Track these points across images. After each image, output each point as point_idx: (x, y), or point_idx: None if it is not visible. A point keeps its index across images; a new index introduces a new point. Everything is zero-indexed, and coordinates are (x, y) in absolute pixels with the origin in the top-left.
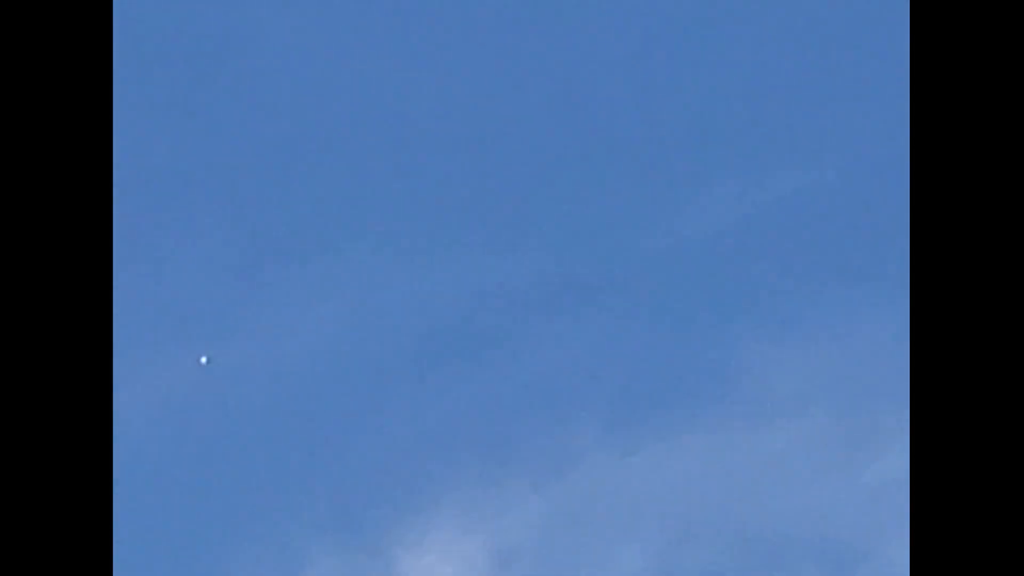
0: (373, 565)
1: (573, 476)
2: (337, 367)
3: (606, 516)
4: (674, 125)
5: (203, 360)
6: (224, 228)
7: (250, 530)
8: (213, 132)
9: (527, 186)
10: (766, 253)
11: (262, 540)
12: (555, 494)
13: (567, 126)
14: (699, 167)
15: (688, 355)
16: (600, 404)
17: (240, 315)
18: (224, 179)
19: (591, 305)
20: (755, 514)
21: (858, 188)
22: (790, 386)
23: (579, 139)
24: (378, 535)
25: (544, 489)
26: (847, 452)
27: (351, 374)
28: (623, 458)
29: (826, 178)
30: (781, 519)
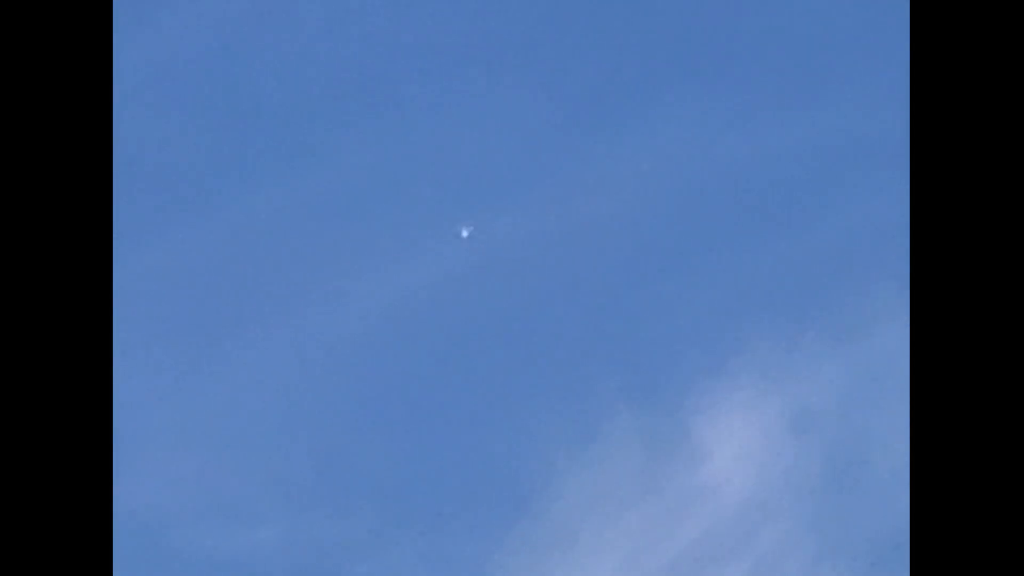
0: (669, 426)
1: (871, 340)
2: (641, 229)
3: (900, 380)
4: None
5: (464, 233)
6: (533, 88)
7: (554, 385)
8: None
9: (836, 42)
10: None
11: (564, 396)
12: (853, 357)
13: None
14: None
15: None
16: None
17: (545, 175)
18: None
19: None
20: None
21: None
22: None
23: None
24: (674, 397)
25: (842, 352)
26: None
27: (655, 236)
28: None
29: None
30: None
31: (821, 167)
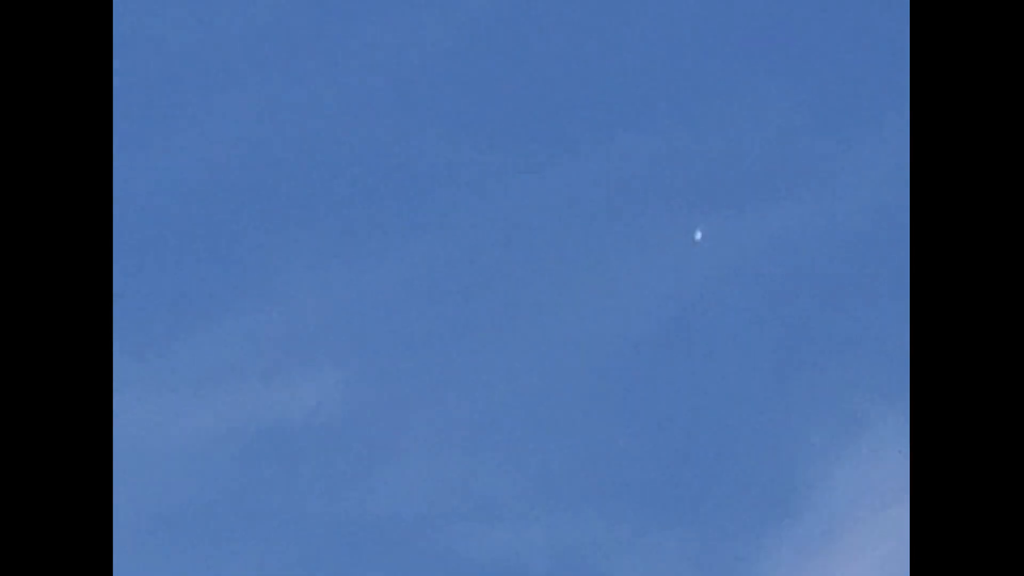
0: None
1: None
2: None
3: None
4: None
5: (697, 235)
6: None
7: (818, 382)
8: None
9: None
10: None
11: (829, 393)
12: None
13: None
14: None
15: None
16: None
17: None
18: None
19: None
20: None
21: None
22: None
23: None
24: None
25: None
26: None
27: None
28: None
29: None
30: None
31: None
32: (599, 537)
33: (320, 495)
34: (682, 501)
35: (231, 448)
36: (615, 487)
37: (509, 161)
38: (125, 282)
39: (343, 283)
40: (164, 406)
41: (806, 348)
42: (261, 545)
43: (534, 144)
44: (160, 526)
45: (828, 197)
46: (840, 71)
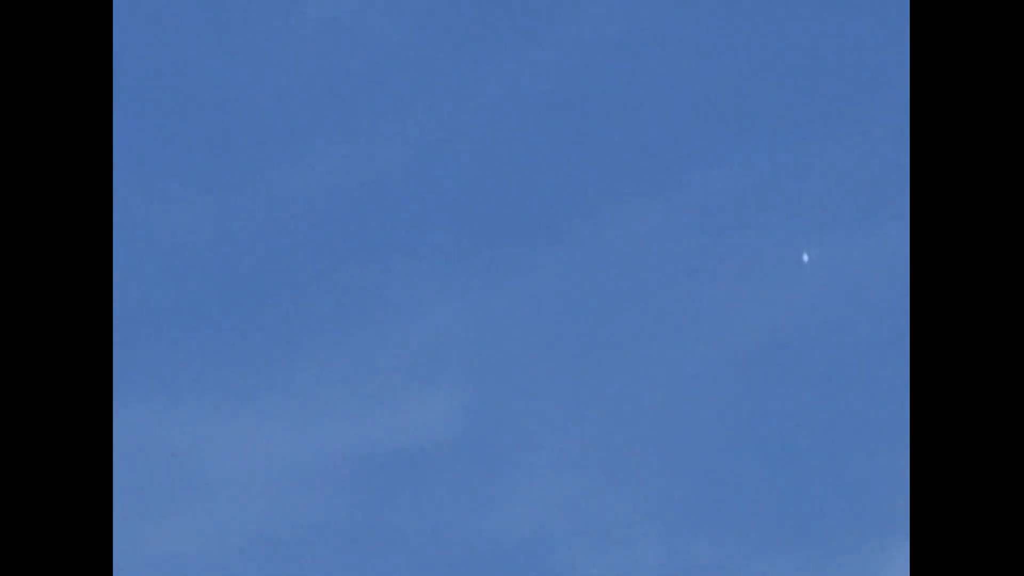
0: None
1: None
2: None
3: None
4: None
5: (804, 257)
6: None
7: None
8: None
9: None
10: None
11: None
12: None
13: None
14: None
15: None
16: None
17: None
18: None
19: None
20: None
21: None
22: None
23: None
24: None
25: None
26: None
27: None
28: None
29: None
30: None
31: None
32: (714, 560)
33: (437, 517)
34: (795, 524)
35: (349, 471)
36: (730, 510)
37: (623, 188)
38: (237, 310)
39: (461, 304)
40: (284, 430)
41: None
42: (379, 569)
43: (648, 170)
44: (279, 550)
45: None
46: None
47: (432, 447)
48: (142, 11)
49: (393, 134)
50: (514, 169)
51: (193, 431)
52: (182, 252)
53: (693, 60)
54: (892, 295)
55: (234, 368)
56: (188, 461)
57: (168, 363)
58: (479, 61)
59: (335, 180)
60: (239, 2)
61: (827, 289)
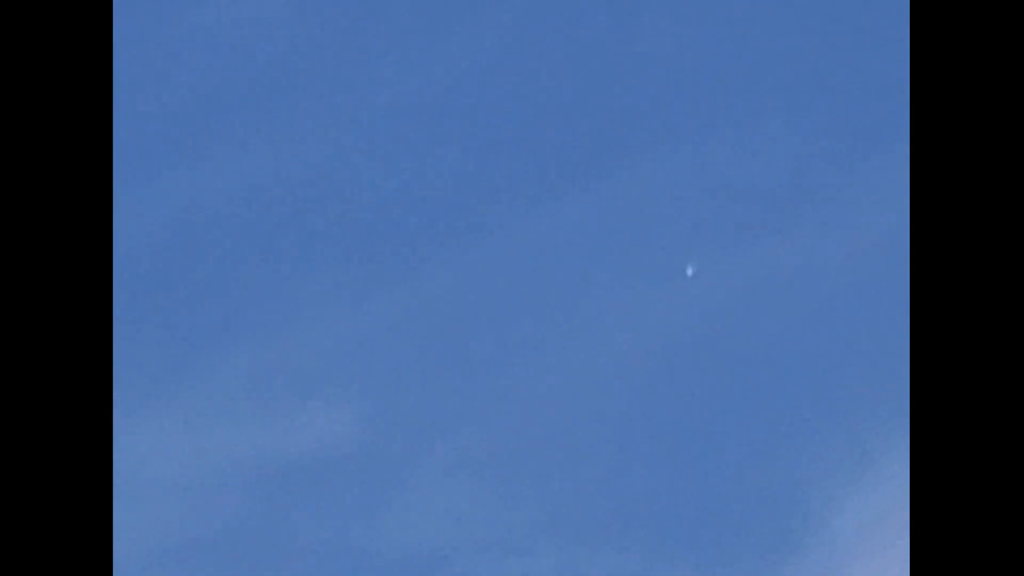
0: None
1: None
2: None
3: None
4: None
5: (689, 271)
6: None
7: (825, 414)
8: None
9: None
10: None
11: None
12: None
13: None
14: None
15: None
16: None
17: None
18: None
19: None
20: None
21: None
22: None
23: None
24: None
25: None
26: None
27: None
28: None
29: None
30: None
31: None
32: (614, 568)
33: (329, 529)
34: (691, 534)
35: (238, 483)
36: (625, 520)
37: (516, 194)
38: (130, 317)
39: (351, 316)
40: (170, 441)
41: (813, 378)
42: None
43: (544, 175)
44: (166, 560)
45: (836, 226)
46: (845, 101)
47: (329, 456)
48: None
49: (292, 140)
50: (411, 176)
51: None
52: None
53: (594, 61)
54: (787, 305)
55: (127, 378)
56: None
57: None
58: (380, 64)
59: (231, 188)
60: (136, 5)
61: (717, 300)
